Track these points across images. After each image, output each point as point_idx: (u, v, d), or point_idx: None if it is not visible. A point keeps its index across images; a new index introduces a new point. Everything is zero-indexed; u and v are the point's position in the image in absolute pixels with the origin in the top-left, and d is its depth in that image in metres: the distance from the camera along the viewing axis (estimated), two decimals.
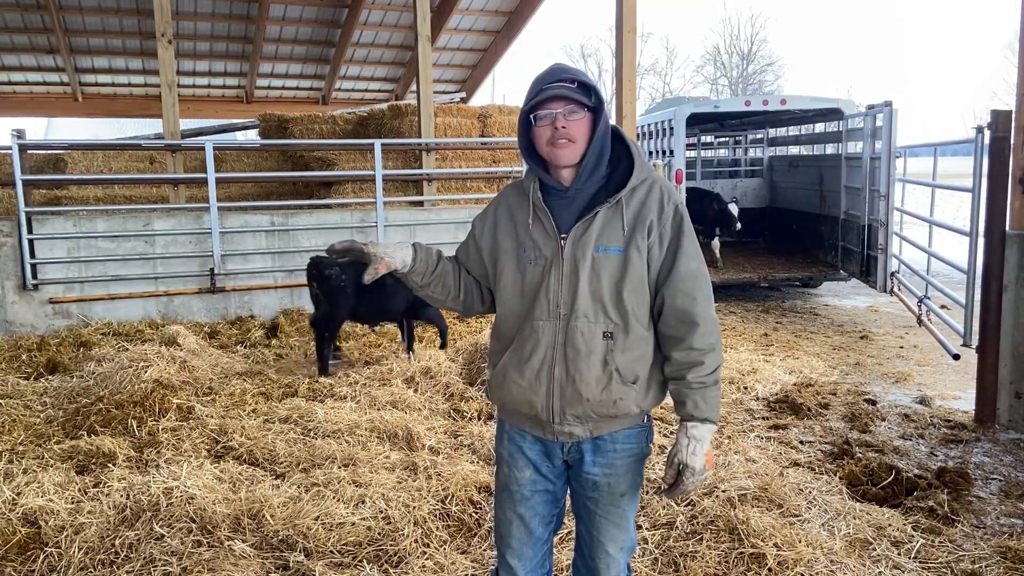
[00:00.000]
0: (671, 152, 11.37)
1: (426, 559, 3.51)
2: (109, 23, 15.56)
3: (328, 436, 4.99)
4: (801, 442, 5.24)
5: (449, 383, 6.10)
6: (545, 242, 2.29)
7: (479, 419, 5.46)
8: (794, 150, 16.59)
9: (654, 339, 2.30)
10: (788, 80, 51.26)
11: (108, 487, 4.04)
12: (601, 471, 2.34)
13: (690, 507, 3.93)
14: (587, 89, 2.23)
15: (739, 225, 12.09)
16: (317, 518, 3.76)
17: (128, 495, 3.95)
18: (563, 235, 2.27)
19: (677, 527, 3.74)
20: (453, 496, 3.99)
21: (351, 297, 6.70)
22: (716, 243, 12.19)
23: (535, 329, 2.28)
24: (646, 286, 2.26)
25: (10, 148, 8.08)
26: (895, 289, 9.42)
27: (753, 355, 7.44)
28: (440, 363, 6.46)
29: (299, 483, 4.21)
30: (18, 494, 3.97)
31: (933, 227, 8.61)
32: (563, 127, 2.21)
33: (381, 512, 3.85)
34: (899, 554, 3.61)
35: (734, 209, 11.94)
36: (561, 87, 2.21)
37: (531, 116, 2.27)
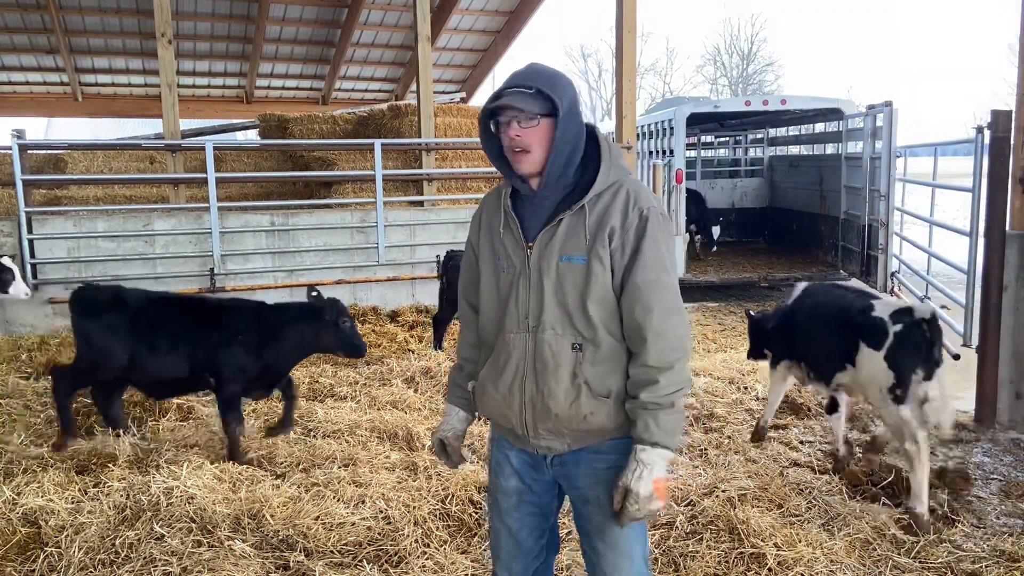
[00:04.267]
0: (671, 152, 11.37)
1: (426, 559, 3.51)
2: (109, 23, 15.55)
3: (328, 436, 4.99)
4: (801, 442, 5.24)
5: None
6: (514, 250, 2.22)
7: (479, 419, 5.45)
8: (794, 150, 16.60)
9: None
10: (788, 80, 51.25)
11: (108, 487, 4.04)
12: (587, 484, 2.25)
13: (690, 507, 3.93)
14: (545, 95, 2.11)
15: (716, 230, 12.13)
16: (317, 518, 3.77)
17: (128, 495, 3.95)
18: (530, 243, 2.19)
19: (677, 527, 3.74)
20: (453, 496, 3.99)
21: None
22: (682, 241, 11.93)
23: (507, 342, 2.22)
24: (611, 296, 2.14)
25: (10, 148, 8.07)
26: (895, 289, 9.43)
27: None
28: (440, 363, 6.46)
29: (299, 483, 4.21)
30: (18, 494, 3.97)
31: (933, 227, 8.62)
32: (516, 135, 2.12)
33: (381, 512, 3.85)
34: (899, 554, 3.61)
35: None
36: (515, 94, 2.11)
37: (490, 122, 2.20)
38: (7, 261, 6.68)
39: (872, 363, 4.11)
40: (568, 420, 2.17)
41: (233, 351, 4.54)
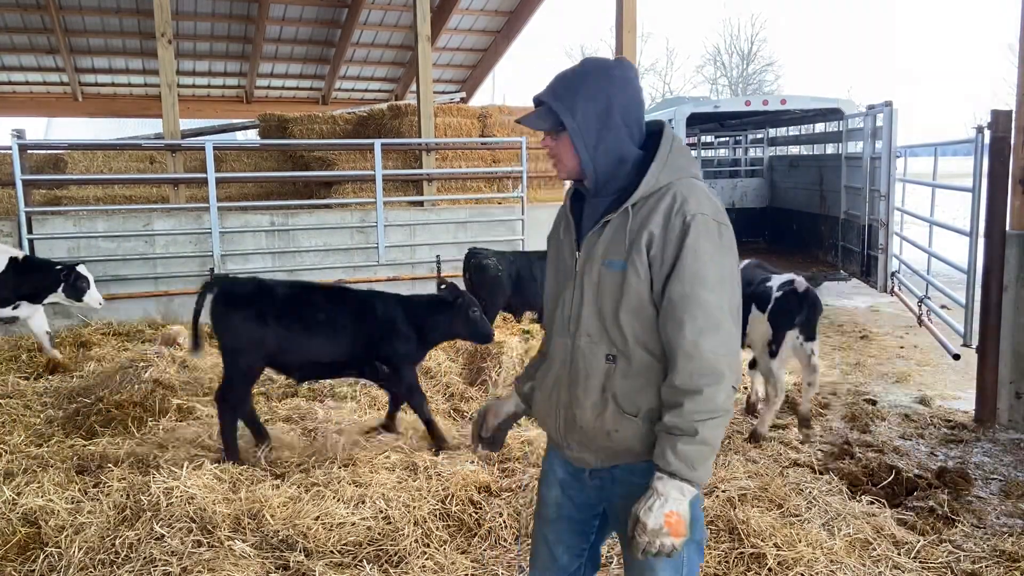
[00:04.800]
0: None
1: (426, 559, 3.50)
2: (109, 23, 15.56)
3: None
4: (801, 442, 5.24)
5: (449, 383, 6.11)
6: (569, 252, 2.16)
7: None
8: (794, 150, 16.60)
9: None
10: (788, 80, 51.27)
11: (108, 487, 4.04)
12: (621, 505, 2.10)
13: None
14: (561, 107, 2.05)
15: None
16: (317, 518, 3.76)
17: (128, 495, 3.94)
18: (579, 245, 2.12)
19: None
20: (453, 496, 3.98)
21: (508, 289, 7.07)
22: None
23: (554, 346, 2.17)
24: (649, 308, 2.00)
25: (10, 148, 8.07)
26: (895, 289, 9.43)
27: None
28: (440, 363, 6.46)
29: (299, 483, 4.21)
30: (18, 494, 3.97)
31: (933, 227, 8.62)
32: (546, 145, 2.11)
33: (381, 512, 3.85)
34: (899, 554, 3.61)
35: None
36: (528, 116, 2.09)
37: None
38: (83, 269, 6.77)
39: (758, 322, 5.21)
40: (593, 434, 2.07)
41: (402, 339, 4.79)
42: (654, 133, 2.11)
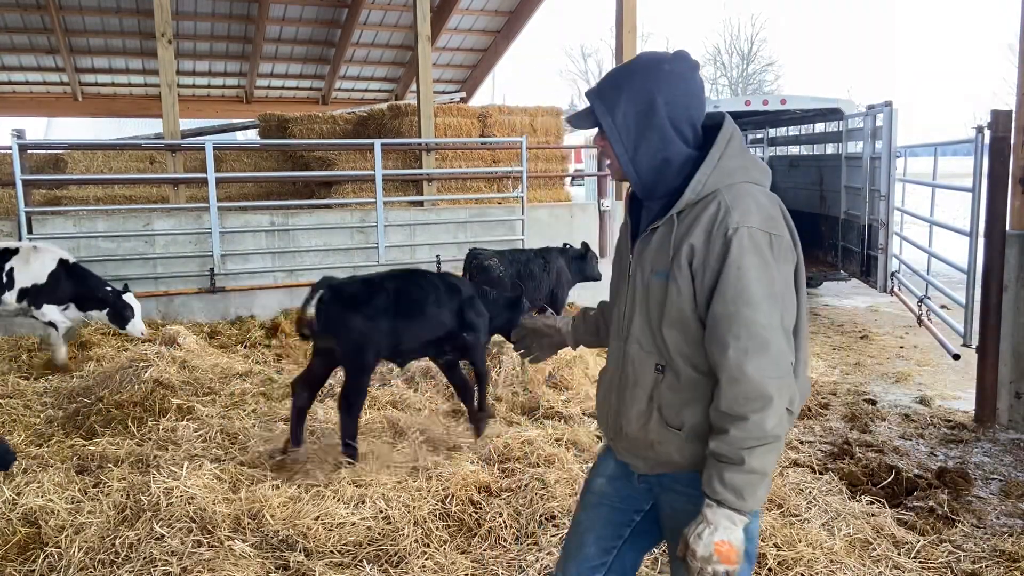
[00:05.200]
0: None
1: (426, 559, 3.51)
2: (109, 23, 15.56)
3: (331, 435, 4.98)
4: (801, 442, 5.24)
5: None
6: (626, 253, 2.10)
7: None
8: (794, 150, 16.59)
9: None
10: (788, 80, 51.23)
11: (108, 487, 4.04)
12: (666, 512, 2.07)
13: None
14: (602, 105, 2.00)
15: None
16: (317, 518, 3.76)
17: (128, 495, 3.95)
18: (633, 249, 2.05)
19: None
20: (453, 496, 3.98)
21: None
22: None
23: (610, 347, 2.13)
24: (692, 323, 1.90)
25: (10, 148, 8.07)
26: (895, 289, 9.42)
27: None
28: None
29: (299, 483, 4.20)
30: (18, 494, 3.96)
31: (933, 227, 8.62)
32: (600, 145, 2.05)
33: (381, 512, 3.85)
34: (899, 554, 3.61)
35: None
36: (576, 115, 2.07)
37: None
38: (130, 297, 6.85)
39: None
40: (636, 443, 2.03)
41: (480, 314, 5.09)
42: (714, 127, 1.98)
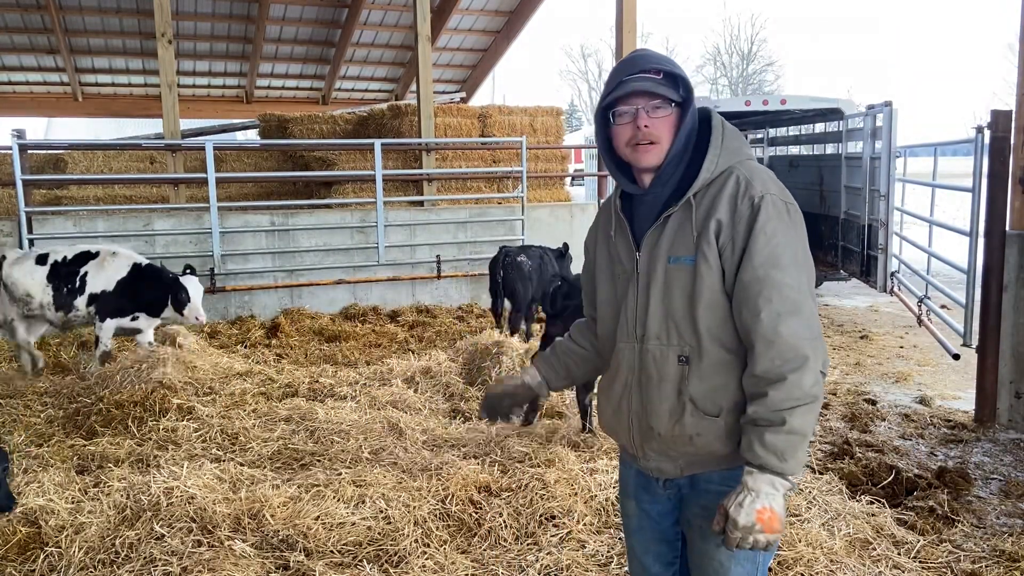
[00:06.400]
0: None
1: (426, 559, 3.50)
2: (109, 23, 15.56)
3: (333, 434, 4.98)
4: None
5: (449, 383, 6.10)
6: (626, 255, 2.05)
7: (479, 419, 5.45)
8: (794, 150, 16.59)
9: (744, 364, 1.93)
10: (788, 80, 51.26)
11: (108, 487, 4.04)
12: (695, 512, 2.05)
13: None
14: (675, 80, 1.95)
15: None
16: (317, 518, 3.76)
17: (128, 495, 3.95)
18: (639, 245, 2.02)
19: None
20: (453, 496, 3.98)
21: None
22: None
23: (618, 352, 2.07)
24: (723, 300, 1.91)
25: (10, 148, 8.08)
26: (895, 289, 9.42)
27: None
28: (440, 363, 6.46)
29: (299, 483, 4.21)
30: (18, 494, 3.96)
31: (933, 227, 8.62)
32: (645, 126, 1.93)
33: (381, 512, 3.85)
34: (899, 554, 3.61)
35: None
36: (644, 79, 1.92)
37: (610, 113, 1.99)
38: (187, 279, 6.37)
39: None
40: (672, 442, 1.98)
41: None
42: (701, 120, 2.04)
